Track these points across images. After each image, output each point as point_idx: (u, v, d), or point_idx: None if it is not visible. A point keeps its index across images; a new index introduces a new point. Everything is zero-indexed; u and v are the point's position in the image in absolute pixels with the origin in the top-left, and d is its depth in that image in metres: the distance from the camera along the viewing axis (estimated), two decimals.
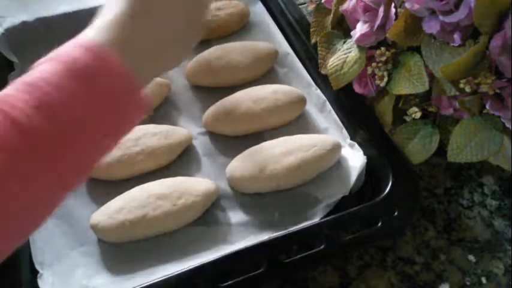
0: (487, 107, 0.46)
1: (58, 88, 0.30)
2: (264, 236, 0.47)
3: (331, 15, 0.55)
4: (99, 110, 0.32)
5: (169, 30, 0.36)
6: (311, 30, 0.60)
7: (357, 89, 0.54)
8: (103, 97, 0.32)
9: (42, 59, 0.32)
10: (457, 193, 0.54)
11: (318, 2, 0.59)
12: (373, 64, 0.50)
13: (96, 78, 0.31)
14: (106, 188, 0.52)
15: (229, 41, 0.64)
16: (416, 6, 0.45)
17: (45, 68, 0.31)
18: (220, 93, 0.59)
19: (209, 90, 0.61)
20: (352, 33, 0.52)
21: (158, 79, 0.59)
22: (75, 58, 0.31)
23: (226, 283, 0.42)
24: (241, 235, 0.48)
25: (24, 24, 0.63)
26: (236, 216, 0.50)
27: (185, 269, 0.43)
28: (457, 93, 0.46)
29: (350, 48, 0.53)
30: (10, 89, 0.30)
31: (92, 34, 0.33)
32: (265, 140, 0.54)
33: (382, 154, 0.51)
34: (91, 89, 0.31)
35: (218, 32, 0.66)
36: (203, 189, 0.49)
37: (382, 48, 0.50)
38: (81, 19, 0.65)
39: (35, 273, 0.45)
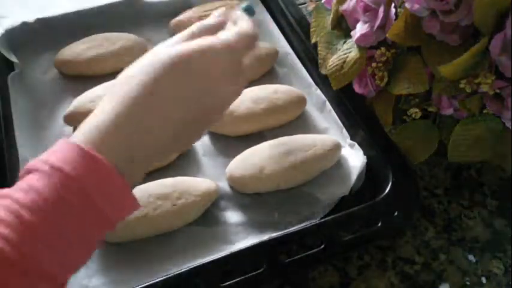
0: (487, 107, 0.46)
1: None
2: (264, 236, 0.47)
3: (331, 15, 0.55)
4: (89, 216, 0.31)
5: (161, 137, 0.35)
6: (311, 30, 0.60)
7: (357, 89, 0.54)
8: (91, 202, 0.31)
9: (32, 164, 0.31)
10: (457, 193, 0.54)
11: (318, 2, 0.59)
12: (373, 64, 0.50)
13: (88, 187, 0.30)
14: None
15: None
16: (416, 6, 0.45)
17: (36, 184, 0.30)
18: None
19: None
20: (352, 33, 0.52)
21: None
22: (65, 168, 0.30)
23: (227, 283, 0.42)
24: (241, 235, 0.48)
25: (24, 24, 0.63)
26: (236, 216, 0.50)
27: (185, 269, 0.43)
28: (457, 93, 0.46)
29: (350, 48, 0.53)
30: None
31: (83, 137, 0.32)
32: (266, 140, 0.54)
33: (382, 154, 0.51)
34: (84, 198, 0.30)
35: None
36: (203, 189, 0.49)
37: (382, 49, 0.50)
38: (81, 19, 0.66)
39: None
